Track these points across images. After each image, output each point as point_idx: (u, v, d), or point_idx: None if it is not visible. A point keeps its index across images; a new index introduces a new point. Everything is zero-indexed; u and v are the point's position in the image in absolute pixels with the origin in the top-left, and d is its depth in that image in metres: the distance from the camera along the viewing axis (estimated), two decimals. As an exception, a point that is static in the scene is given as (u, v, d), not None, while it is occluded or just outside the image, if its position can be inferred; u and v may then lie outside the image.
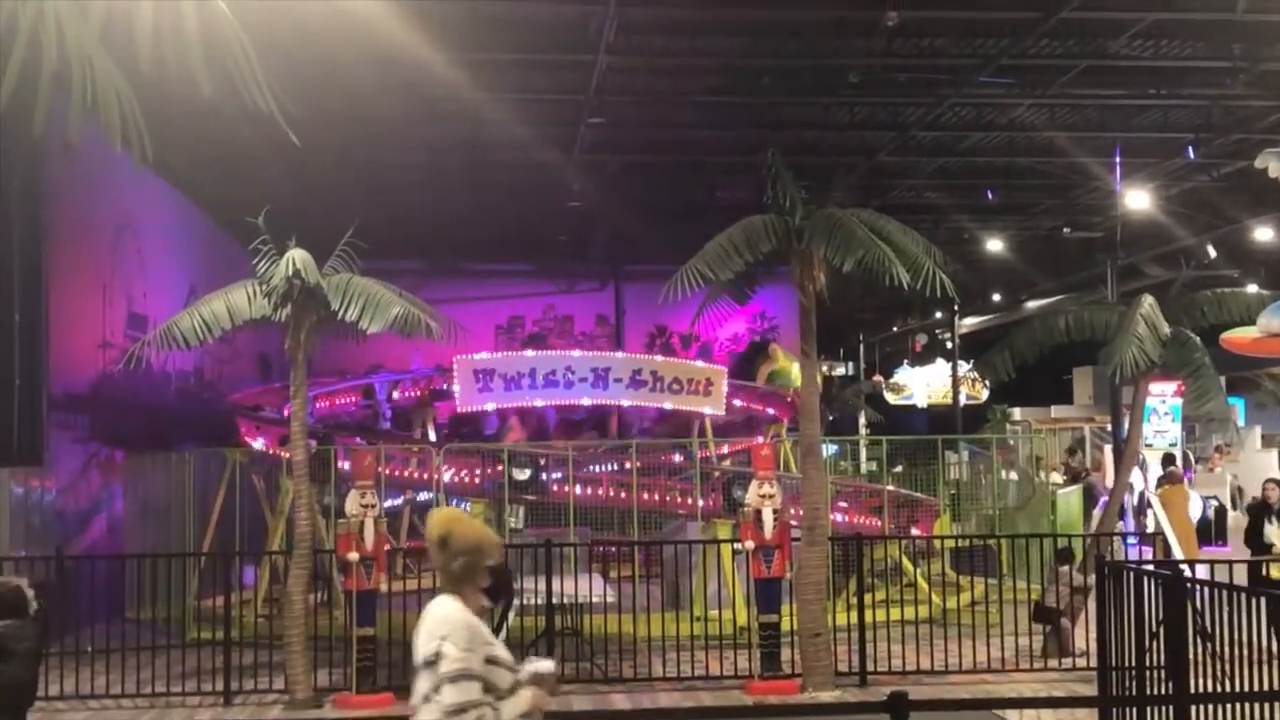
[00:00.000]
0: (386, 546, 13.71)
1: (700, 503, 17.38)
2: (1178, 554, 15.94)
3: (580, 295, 34.13)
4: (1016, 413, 36.84)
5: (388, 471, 17.20)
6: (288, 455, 14.71)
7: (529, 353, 21.31)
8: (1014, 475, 23.52)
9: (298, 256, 12.35)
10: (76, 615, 14.21)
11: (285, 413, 16.25)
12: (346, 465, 16.38)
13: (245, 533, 17.53)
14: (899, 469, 20.63)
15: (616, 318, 33.88)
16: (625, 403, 19.68)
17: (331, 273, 12.81)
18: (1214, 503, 24.87)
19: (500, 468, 17.19)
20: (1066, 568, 14.61)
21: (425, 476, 17.74)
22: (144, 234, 20.06)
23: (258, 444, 18.65)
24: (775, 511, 13.23)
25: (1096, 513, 19.84)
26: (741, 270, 12.88)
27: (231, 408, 20.26)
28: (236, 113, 7.10)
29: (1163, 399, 25.89)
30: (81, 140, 6.38)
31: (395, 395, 22.41)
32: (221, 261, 21.06)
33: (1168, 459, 22.39)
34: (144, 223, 20.08)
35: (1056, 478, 24.91)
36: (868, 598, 14.49)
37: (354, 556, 12.81)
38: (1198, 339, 14.48)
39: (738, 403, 20.67)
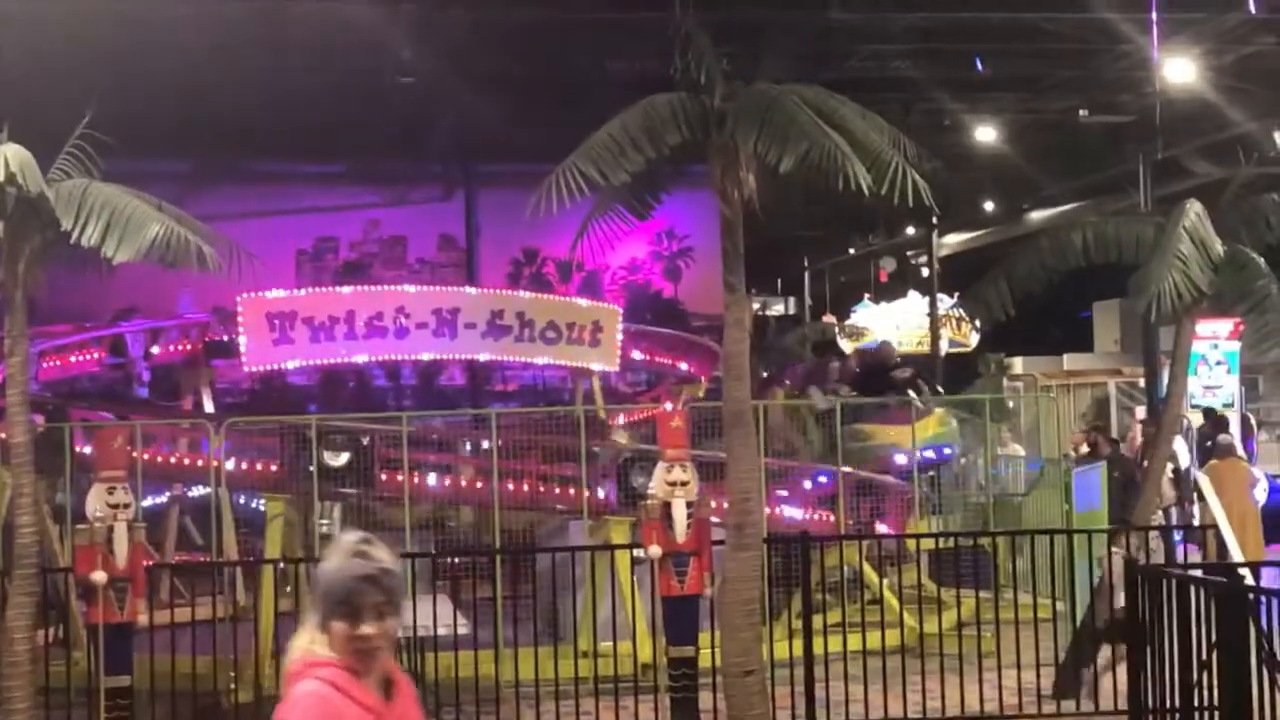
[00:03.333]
0: (147, 562, 13.56)
1: (587, 494, 17.42)
2: (1235, 554, 16.30)
3: (416, 208, 33.97)
4: (1018, 364, 37.40)
5: (147, 457, 17.01)
6: (3, 436, 14.47)
7: (345, 289, 21.13)
8: (1017, 449, 23.87)
9: (13, 154, 12.09)
10: None
11: (-1, 377, 15.96)
12: (88, 450, 16.15)
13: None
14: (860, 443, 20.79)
15: (468, 238, 33.77)
16: (481, 356, 19.63)
17: (61, 177, 12.58)
18: (1284, 482, 25.50)
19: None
20: (1119, 551, 14.29)
21: (200, 463, 17.56)
22: None
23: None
24: (690, 504, 13.28)
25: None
26: (641, 171, 12.85)
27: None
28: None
29: (1214, 343, 26.49)
30: None
31: (156, 350, 22.11)
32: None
33: (1217, 423, 22.85)
34: None
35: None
36: (817, 620, 14.63)
37: (100, 577, 12.67)
38: (1261, 261, 14.71)
39: (637, 355, 20.72)
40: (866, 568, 18.14)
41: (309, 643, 4.81)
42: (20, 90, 17.33)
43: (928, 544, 18.62)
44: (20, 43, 20.61)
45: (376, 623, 4.75)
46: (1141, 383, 31.46)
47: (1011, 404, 26.11)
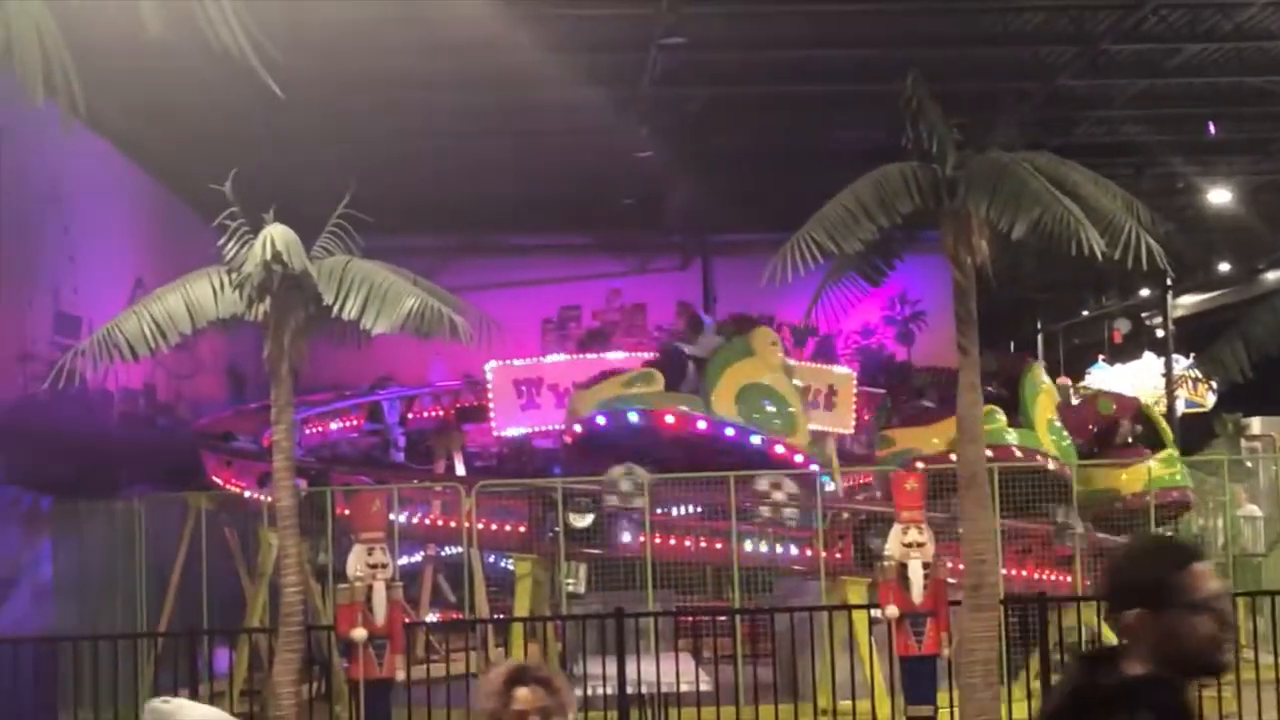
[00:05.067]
0: (404, 620, 13.82)
1: (824, 555, 17.36)
2: None
3: (655, 276, 34.17)
4: (1255, 424, 36.40)
5: (403, 519, 17.35)
6: (269, 499, 14.86)
7: (588, 356, 21.40)
8: (1254, 509, 23.25)
9: (278, 235, 12.48)
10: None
11: (265, 443, 16.42)
12: (348, 512, 16.53)
13: (215, 604, 17.74)
14: (1095, 504, 20.45)
15: (705, 306, 33.87)
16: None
17: (323, 255, 12.95)
18: None
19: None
20: None
21: (452, 525, 17.85)
22: (75, 209, 20.37)
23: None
24: (926, 565, 13.19)
25: None
26: (873, 239, 12.88)
27: (195, 437, 20.49)
28: (198, 55, 7.22)
29: None
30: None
31: (410, 416, 22.57)
32: (178, 243, 21.35)
33: None
34: (75, 195, 20.38)
35: None
36: (1056, 679, 14.40)
37: (360, 634, 12.94)
38: None
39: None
40: (1104, 628, 17.80)
41: None
42: (285, 175, 17.89)
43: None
44: (284, 133, 21.30)
45: None
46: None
47: (1249, 464, 25.38)
